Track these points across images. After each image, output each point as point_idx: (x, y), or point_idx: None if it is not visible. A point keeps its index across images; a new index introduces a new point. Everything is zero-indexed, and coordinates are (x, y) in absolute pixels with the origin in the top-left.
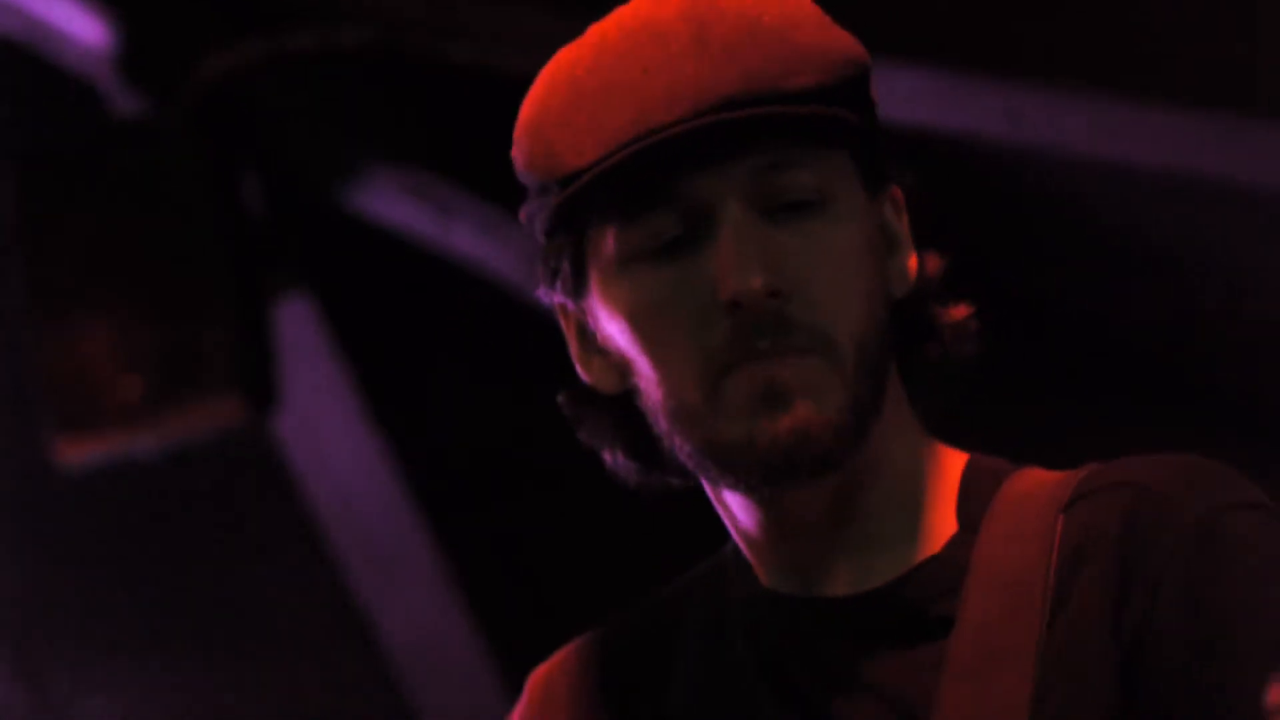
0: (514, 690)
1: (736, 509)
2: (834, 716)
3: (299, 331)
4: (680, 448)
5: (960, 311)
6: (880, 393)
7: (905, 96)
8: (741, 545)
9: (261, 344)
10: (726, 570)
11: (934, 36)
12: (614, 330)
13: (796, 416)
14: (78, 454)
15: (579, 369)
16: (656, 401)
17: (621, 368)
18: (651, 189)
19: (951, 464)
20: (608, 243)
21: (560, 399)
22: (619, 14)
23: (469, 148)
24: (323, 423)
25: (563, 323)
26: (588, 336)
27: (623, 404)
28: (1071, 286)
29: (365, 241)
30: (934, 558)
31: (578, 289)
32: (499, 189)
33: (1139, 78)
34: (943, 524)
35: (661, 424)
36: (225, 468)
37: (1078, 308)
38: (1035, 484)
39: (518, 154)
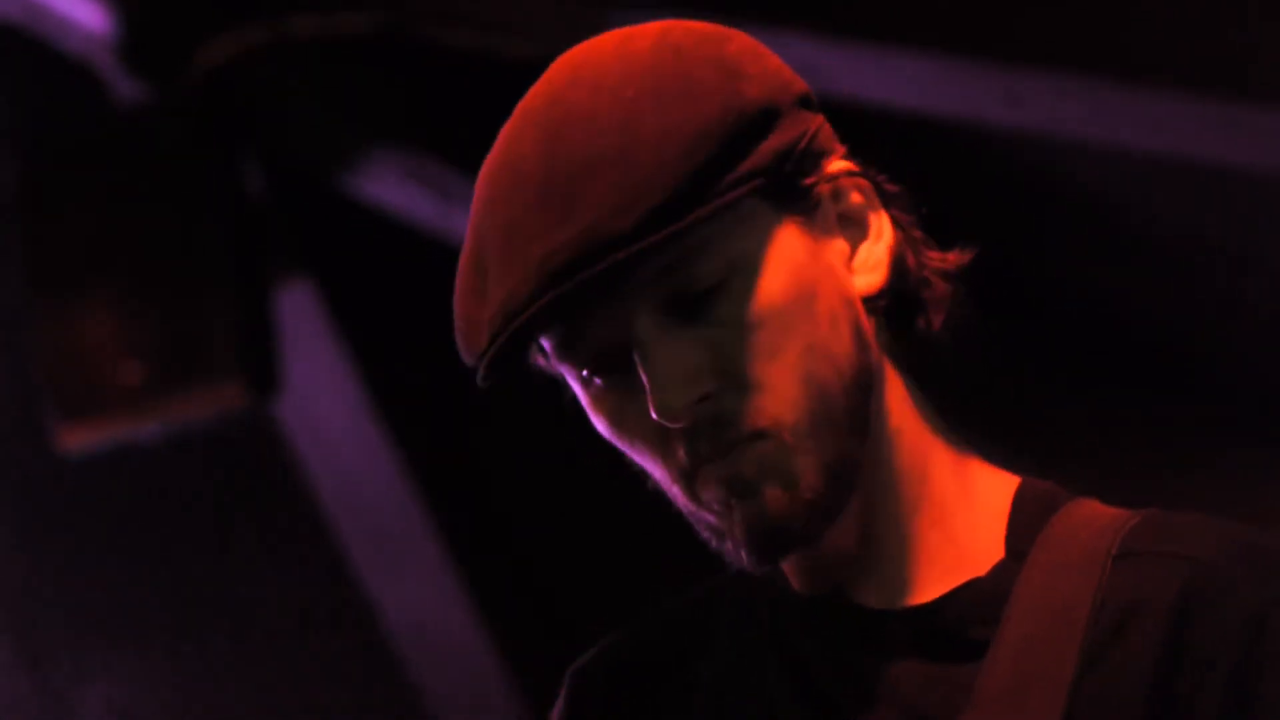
0: (514, 674)
1: None
2: None
3: (300, 316)
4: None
5: (952, 259)
6: (861, 431)
7: (905, 80)
8: (785, 570)
9: (263, 329)
10: (760, 573)
11: (933, 21)
12: (604, 435)
13: (763, 503)
14: (80, 440)
15: None
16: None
17: None
18: (562, 338)
19: (1000, 486)
20: (562, 373)
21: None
22: (506, 130)
23: (470, 132)
24: (324, 407)
25: None
26: None
27: None
28: (1069, 270)
29: (366, 226)
30: (977, 581)
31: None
32: None
33: (1137, 62)
34: (989, 548)
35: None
36: (227, 453)
37: (1075, 291)
38: (1088, 519)
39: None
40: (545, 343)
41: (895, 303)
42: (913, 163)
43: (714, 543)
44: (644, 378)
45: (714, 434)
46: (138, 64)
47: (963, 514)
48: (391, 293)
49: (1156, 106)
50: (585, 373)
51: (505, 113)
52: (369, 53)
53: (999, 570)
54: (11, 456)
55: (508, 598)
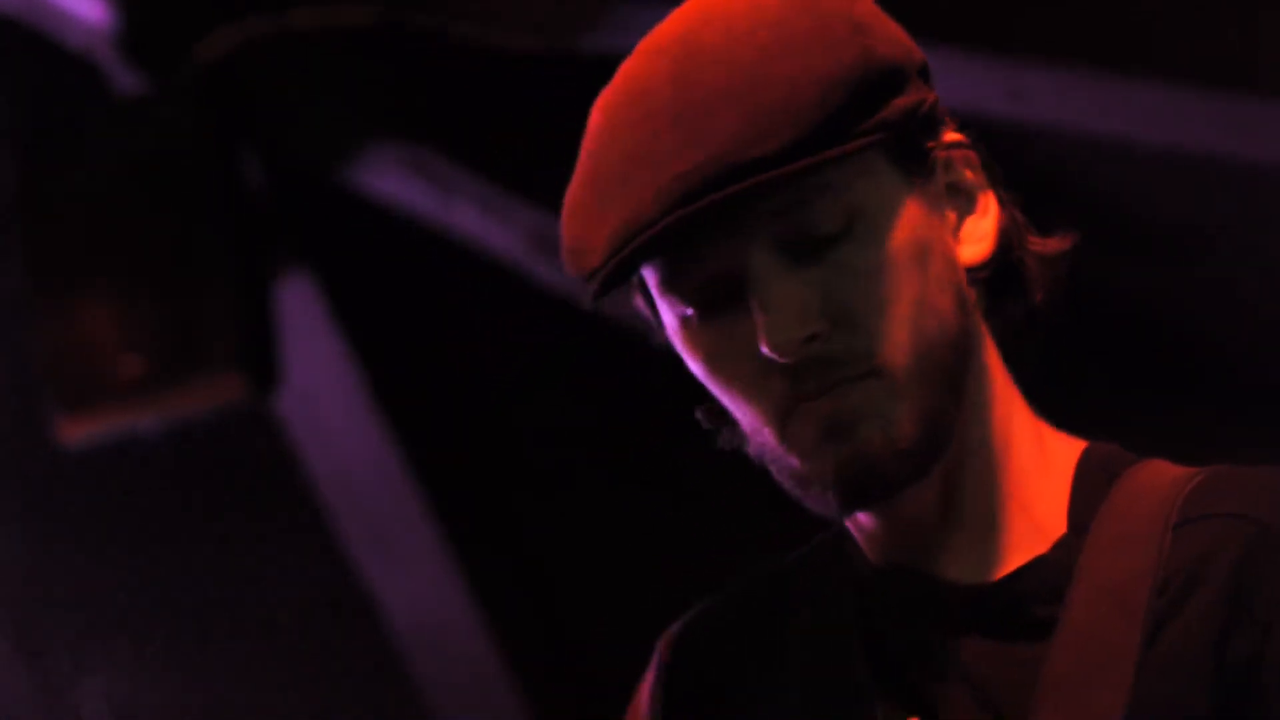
0: (514, 667)
1: None
2: (925, 699)
3: (300, 310)
4: (775, 477)
5: (1053, 244)
6: (957, 393)
7: None
8: (851, 527)
9: (263, 322)
10: (839, 546)
11: (936, 14)
12: (699, 375)
13: (858, 444)
14: (79, 432)
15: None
16: (744, 433)
17: None
18: (676, 263)
19: (1066, 454)
20: (662, 307)
21: (698, 413)
22: (629, 65)
23: (471, 125)
24: (323, 401)
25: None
26: None
27: None
28: (1073, 265)
29: (367, 220)
30: (1041, 559)
31: (664, 331)
32: (500, 167)
33: (1140, 56)
34: (1053, 522)
35: (753, 450)
36: (226, 447)
37: (1078, 285)
38: (1149, 485)
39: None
40: (652, 274)
41: (996, 277)
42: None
43: (795, 488)
44: (757, 311)
45: (822, 372)
46: (137, 57)
47: (1036, 483)
48: (392, 286)
49: (1160, 101)
50: (688, 308)
51: (506, 104)
52: (370, 45)
53: (1060, 545)
54: (11, 450)
55: (507, 592)
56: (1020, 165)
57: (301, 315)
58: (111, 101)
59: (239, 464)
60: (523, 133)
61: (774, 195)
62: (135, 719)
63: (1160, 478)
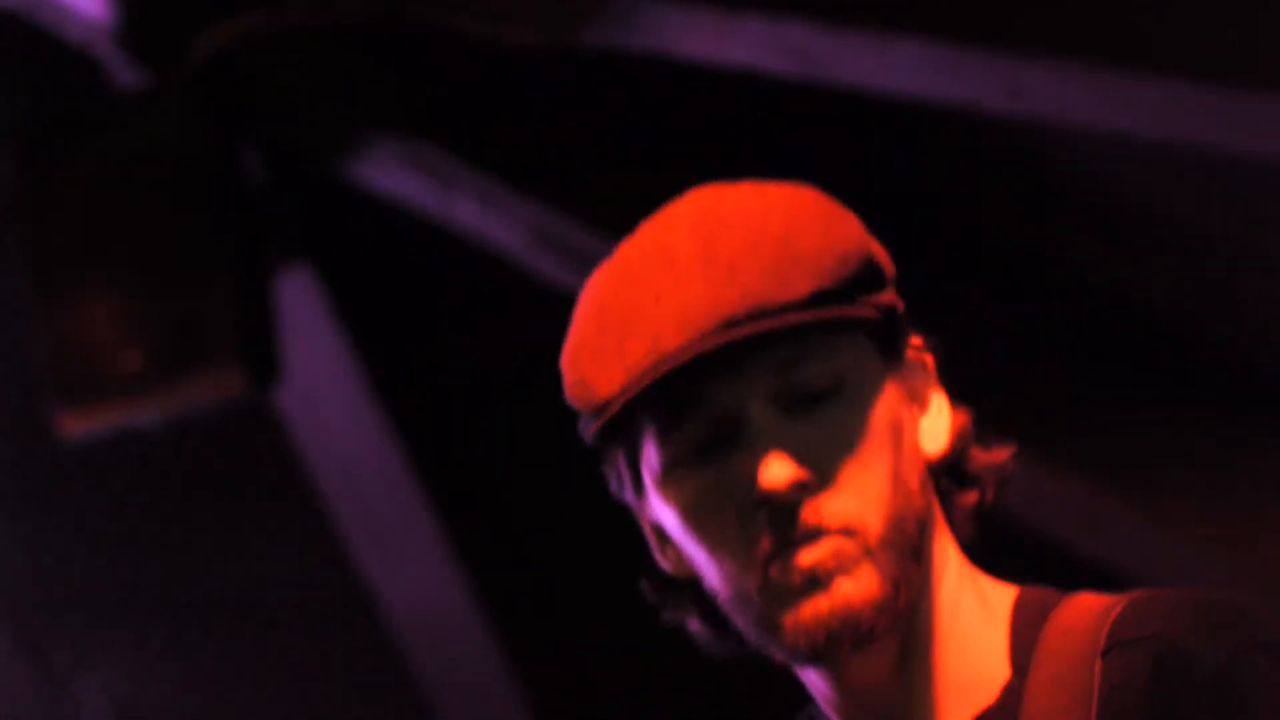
0: (513, 661)
1: (810, 673)
2: None
3: (300, 304)
4: (741, 626)
5: (1000, 454)
6: (918, 560)
7: (907, 70)
8: (819, 702)
9: (262, 316)
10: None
11: (934, 9)
12: (672, 528)
13: (835, 596)
14: (79, 427)
15: (657, 559)
16: (715, 588)
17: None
18: (679, 404)
19: (1002, 602)
20: (651, 453)
21: (643, 585)
22: (639, 234)
23: (471, 120)
24: (323, 395)
25: (638, 518)
26: (657, 531)
27: (696, 584)
28: (1071, 258)
29: (366, 214)
30: (991, 709)
31: (638, 491)
32: (500, 161)
33: (1139, 51)
34: (998, 669)
35: (723, 606)
36: (226, 441)
37: (1077, 279)
38: (1076, 619)
39: (563, 380)
40: (652, 416)
41: (948, 472)
42: (915, 152)
43: (763, 635)
44: (756, 453)
45: (805, 522)
46: (137, 51)
47: (981, 636)
48: (391, 280)
49: (1158, 95)
50: (680, 452)
51: (505, 98)
52: (368, 40)
53: (1008, 691)
54: (12, 444)
55: (507, 586)
56: (1017, 160)
57: (301, 310)
58: (111, 97)
59: (239, 460)
60: (523, 127)
61: (783, 347)
62: (136, 715)
63: (1086, 611)
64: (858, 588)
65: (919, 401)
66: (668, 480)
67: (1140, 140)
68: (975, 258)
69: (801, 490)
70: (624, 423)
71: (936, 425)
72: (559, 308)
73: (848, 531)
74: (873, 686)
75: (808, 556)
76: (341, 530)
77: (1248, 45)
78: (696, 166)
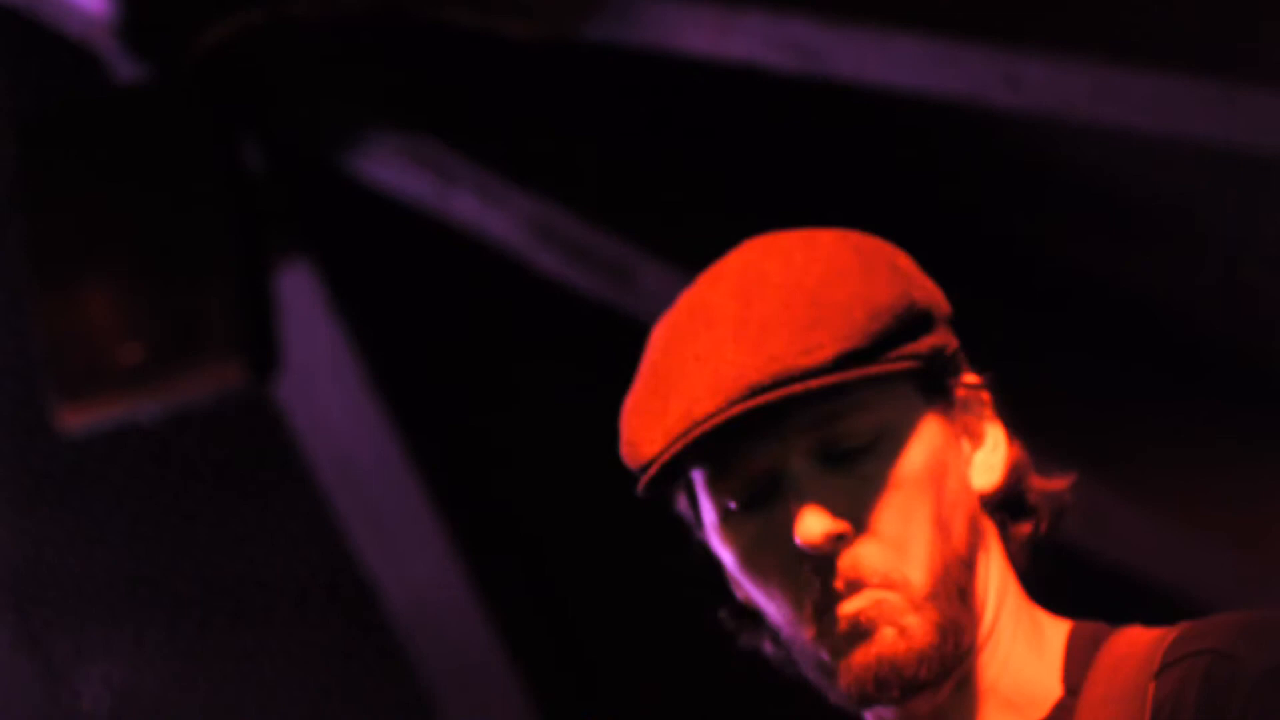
0: (513, 650)
1: None
2: None
3: (299, 296)
4: (801, 668)
5: (1058, 484)
6: (965, 600)
7: (906, 63)
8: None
9: (262, 308)
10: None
11: (933, 3)
12: (731, 569)
13: (882, 646)
14: (80, 420)
15: (732, 588)
16: (774, 626)
17: None
18: (721, 462)
19: (1056, 632)
20: (704, 503)
21: (719, 614)
22: (694, 287)
23: (470, 113)
24: (322, 387)
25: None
26: (726, 564)
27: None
28: (1068, 249)
29: (365, 207)
30: None
31: (702, 530)
32: (499, 155)
33: (1137, 43)
34: (1050, 688)
35: (785, 643)
36: (226, 433)
37: (1075, 270)
38: (1131, 646)
39: (620, 438)
40: (700, 470)
41: (1006, 505)
42: (914, 144)
43: (821, 680)
44: (793, 507)
45: (847, 575)
46: (137, 45)
47: (1035, 665)
48: (391, 273)
49: (1157, 88)
50: (730, 502)
51: (504, 92)
52: (368, 33)
53: (1060, 708)
54: (12, 436)
55: (506, 575)
56: (1016, 151)
57: (301, 303)
58: (111, 89)
59: (238, 449)
60: (522, 121)
61: (817, 404)
62: (136, 706)
63: (1140, 639)
64: (903, 638)
65: (972, 436)
66: (720, 529)
67: (1140, 133)
68: (973, 250)
69: (838, 542)
70: (667, 480)
71: (991, 460)
72: (557, 301)
73: (889, 585)
74: (928, 712)
75: (850, 607)
76: (341, 521)
77: (1245, 36)
78: (695, 160)
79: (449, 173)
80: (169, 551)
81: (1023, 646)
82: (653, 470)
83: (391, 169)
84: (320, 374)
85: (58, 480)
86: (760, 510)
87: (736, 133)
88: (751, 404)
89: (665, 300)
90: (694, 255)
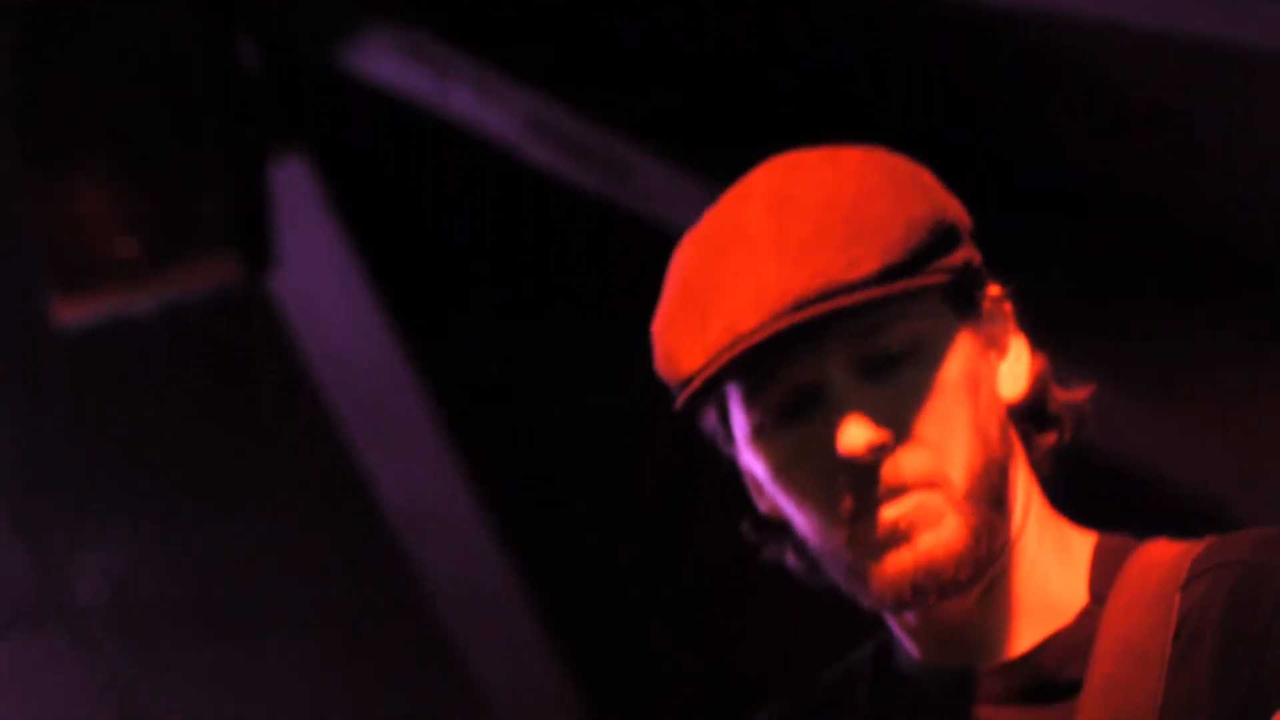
0: (509, 548)
1: None
2: None
3: (295, 191)
4: (831, 575)
5: (1079, 393)
6: (1000, 507)
7: None
8: (897, 629)
9: (258, 203)
10: (887, 650)
11: None
12: (763, 481)
13: (919, 550)
14: (75, 314)
15: (756, 502)
16: (804, 539)
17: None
18: (760, 376)
19: (1082, 542)
20: (739, 416)
21: (743, 528)
22: (720, 207)
23: (467, 8)
24: (319, 282)
25: (739, 466)
26: (753, 478)
27: (790, 527)
28: (1066, 147)
29: (362, 102)
30: (1066, 629)
31: (731, 442)
32: (496, 50)
33: None
34: (1076, 596)
35: (812, 554)
36: (221, 328)
37: (1077, 167)
38: (1158, 558)
39: (653, 352)
40: (737, 384)
41: (1029, 415)
42: (913, 43)
43: (852, 585)
44: (834, 418)
45: (886, 481)
46: None
47: (1060, 574)
48: (387, 168)
49: None
50: (766, 416)
51: None
52: None
53: (1085, 615)
54: (7, 330)
55: (503, 473)
56: (1014, 49)
57: (296, 198)
58: None
59: (233, 345)
60: (519, 16)
61: (858, 317)
62: (131, 596)
63: (1167, 551)
64: (941, 539)
65: (998, 348)
66: (755, 441)
67: (1138, 29)
68: (965, 151)
69: (880, 451)
70: (708, 393)
71: (1015, 370)
72: (553, 197)
73: (930, 485)
74: (954, 617)
75: (891, 512)
76: (336, 417)
77: None
78: (693, 56)
79: (445, 68)
80: (165, 443)
81: (1049, 555)
82: (695, 385)
83: (388, 64)
84: (316, 269)
85: (54, 373)
86: (797, 422)
87: (732, 29)
88: (798, 318)
89: (661, 196)
90: (690, 151)
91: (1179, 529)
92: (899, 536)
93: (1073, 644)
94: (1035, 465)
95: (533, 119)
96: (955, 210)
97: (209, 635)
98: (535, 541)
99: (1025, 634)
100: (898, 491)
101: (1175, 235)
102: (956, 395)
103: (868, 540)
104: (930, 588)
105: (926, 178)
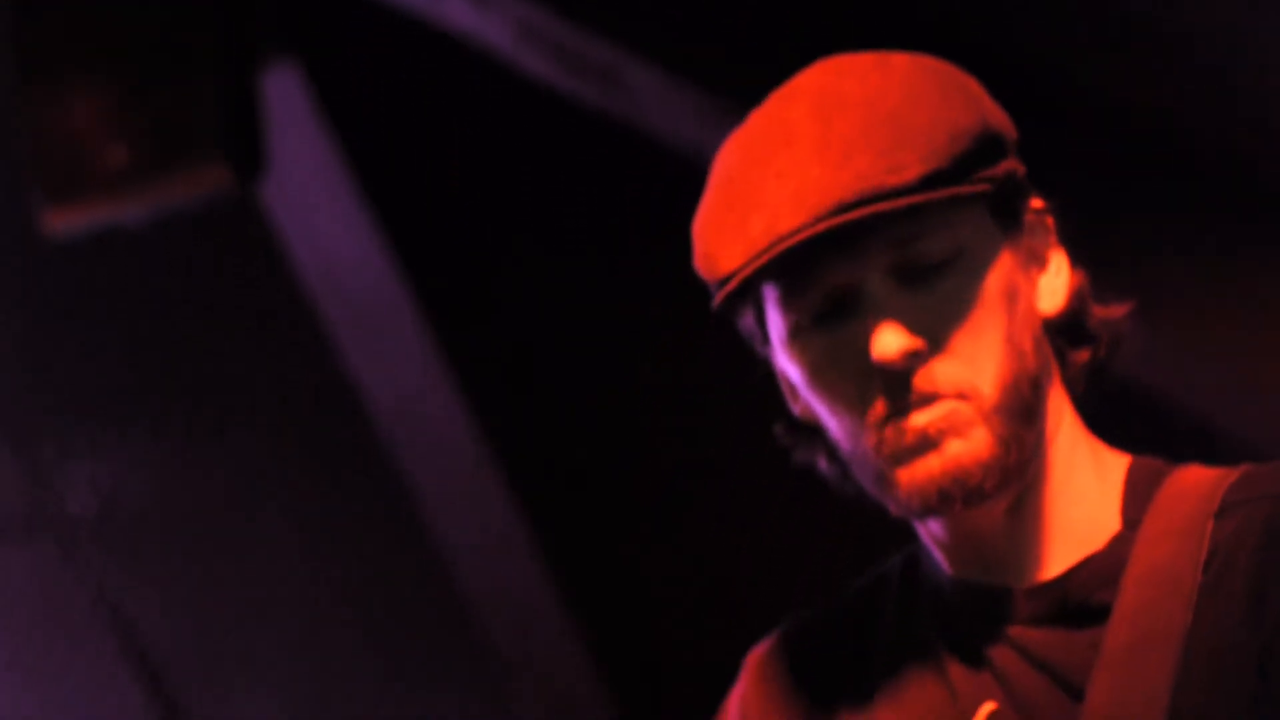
0: (498, 454)
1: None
2: (1010, 683)
3: (286, 100)
4: (859, 479)
5: (1116, 311)
6: (1031, 420)
7: None
8: (928, 542)
9: (248, 112)
10: (916, 562)
11: None
12: (798, 384)
13: (947, 456)
14: (65, 223)
15: (789, 404)
16: (836, 442)
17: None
18: (799, 277)
19: (1115, 465)
20: (775, 317)
21: (776, 429)
22: (766, 108)
23: None
24: (309, 192)
25: (774, 368)
26: (787, 381)
27: (823, 430)
28: (1060, 61)
29: (354, 10)
30: (1098, 553)
31: (766, 344)
32: None
33: None
34: (1108, 521)
35: (843, 458)
36: (211, 236)
37: (1065, 82)
38: (1192, 484)
39: (693, 250)
40: (774, 285)
41: (1066, 330)
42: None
43: (880, 491)
44: (870, 323)
45: (919, 388)
46: None
47: (1094, 495)
48: (379, 77)
49: None
50: (802, 318)
51: None
52: None
53: (1117, 540)
54: None
55: (492, 380)
56: None
57: (288, 107)
58: None
59: (223, 253)
60: None
61: (899, 223)
62: (121, 507)
63: (1202, 478)
64: (969, 448)
65: (1038, 261)
66: (791, 343)
67: None
68: (959, 63)
69: (914, 359)
70: (746, 293)
71: (1054, 284)
72: (545, 106)
73: (961, 396)
74: (984, 532)
75: (921, 418)
76: (326, 324)
77: None
78: None
79: None
80: (152, 354)
81: (1083, 475)
82: (732, 284)
83: None
84: (307, 179)
85: (44, 285)
86: (833, 326)
87: None
88: (839, 220)
89: (652, 101)
90: (684, 59)
91: (1165, 444)
92: (928, 443)
93: (1104, 569)
94: (1069, 382)
95: (526, 27)
96: (1000, 120)
97: (198, 546)
98: (523, 448)
99: (1058, 557)
100: (929, 399)
101: (1169, 147)
102: (993, 307)
103: (898, 445)
104: (956, 494)
105: (974, 87)
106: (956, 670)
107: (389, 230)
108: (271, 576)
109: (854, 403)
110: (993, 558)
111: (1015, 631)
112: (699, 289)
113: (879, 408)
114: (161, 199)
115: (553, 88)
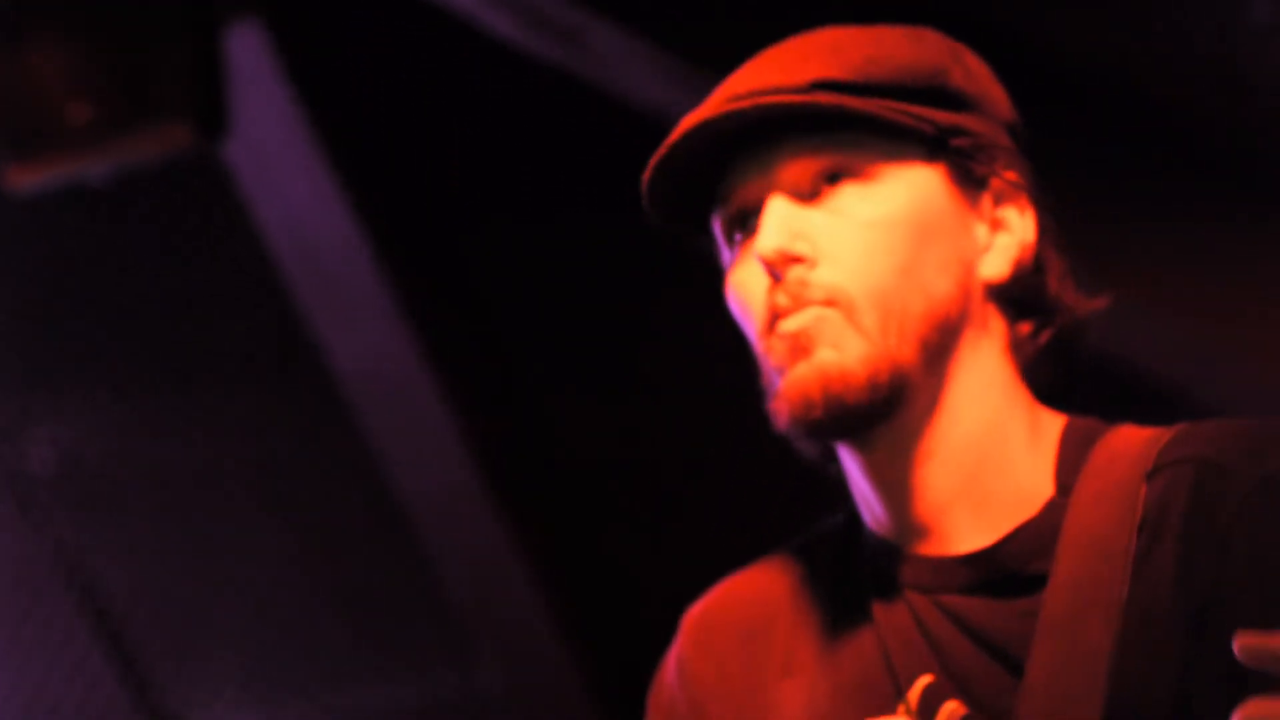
0: (462, 416)
1: (850, 472)
2: (945, 654)
3: (250, 57)
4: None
5: (1079, 299)
6: (928, 359)
7: None
8: (859, 503)
9: (212, 69)
10: (852, 526)
11: None
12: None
13: (814, 363)
14: (28, 180)
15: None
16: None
17: None
18: (720, 196)
19: (1051, 426)
20: (720, 247)
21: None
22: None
23: None
24: (273, 149)
25: None
26: None
27: None
28: (1046, 26)
29: None
30: (1031, 521)
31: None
32: None
33: None
34: (1042, 486)
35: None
36: (175, 195)
37: (1051, 49)
38: (1124, 446)
39: None
40: (715, 214)
41: (1017, 301)
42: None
43: (773, 405)
44: (758, 223)
45: (795, 292)
46: None
47: (1028, 459)
48: (343, 36)
49: None
50: (725, 239)
51: None
52: None
53: (1051, 506)
54: None
55: (457, 341)
56: None
57: (251, 65)
58: None
59: (187, 212)
60: None
61: (808, 137)
62: (82, 467)
63: (1134, 438)
64: (837, 357)
65: (993, 224)
66: (724, 263)
67: None
68: (941, 28)
69: (792, 262)
70: (659, 197)
71: (1002, 253)
72: (511, 64)
73: (830, 302)
74: (918, 503)
75: (791, 323)
76: (290, 285)
77: None
78: None
79: None
80: (116, 315)
81: (1017, 438)
82: (647, 173)
83: None
84: (270, 136)
85: (3, 242)
86: (744, 241)
87: None
88: (727, 108)
89: (615, 62)
90: (645, 17)
91: (1137, 411)
92: (800, 349)
93: (1038, 537)
94: (1017, 349)
95: None
96: (980, 88)
97: (159, 506)
98: (488, 410)
99: (992, 524)
100: (800, 302)
101: (1158, 115)
102: (897, 234)
103: (778, 352)
104: (819, 401)
105: (968, 57)
106: (892, 638)
107: (353, 190)
108: (233, 536)
109: (753, 311)
110: (925, 522)
111: (949, 600)
112: (665, 247)
113: (766, 315)
114: (124, 157)
115: (518, 49)
